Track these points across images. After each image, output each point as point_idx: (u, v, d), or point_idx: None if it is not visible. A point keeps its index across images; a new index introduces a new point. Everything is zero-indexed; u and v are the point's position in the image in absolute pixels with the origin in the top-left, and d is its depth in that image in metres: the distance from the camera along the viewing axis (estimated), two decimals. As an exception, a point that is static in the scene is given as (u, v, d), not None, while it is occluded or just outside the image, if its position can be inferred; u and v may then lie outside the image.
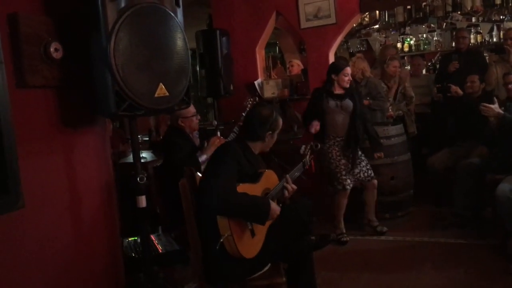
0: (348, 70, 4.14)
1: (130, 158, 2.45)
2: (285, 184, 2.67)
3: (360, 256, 3.96)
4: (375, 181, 4.24)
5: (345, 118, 4.18)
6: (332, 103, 4.16)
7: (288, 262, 2.73)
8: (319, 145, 3.07)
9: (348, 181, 4.12)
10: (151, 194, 4.52)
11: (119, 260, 2.64)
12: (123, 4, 2.10)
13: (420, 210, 4.90)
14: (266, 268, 2.63)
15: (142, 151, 4.99)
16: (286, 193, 2.65)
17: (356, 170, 4.18)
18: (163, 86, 2.23)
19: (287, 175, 2.71)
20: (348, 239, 4.25)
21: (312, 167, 2.97)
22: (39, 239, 2.14)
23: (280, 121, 2.72)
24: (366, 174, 4.20)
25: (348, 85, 4.14)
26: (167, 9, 2.27)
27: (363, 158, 4.26)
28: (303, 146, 2.99)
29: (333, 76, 4.16)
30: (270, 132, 2.65)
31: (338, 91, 4.18)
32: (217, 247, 2.32)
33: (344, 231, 4.30)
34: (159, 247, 3.38)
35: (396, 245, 4.12)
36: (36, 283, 2.11)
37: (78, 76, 2.31)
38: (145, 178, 2.36)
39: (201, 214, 2.50)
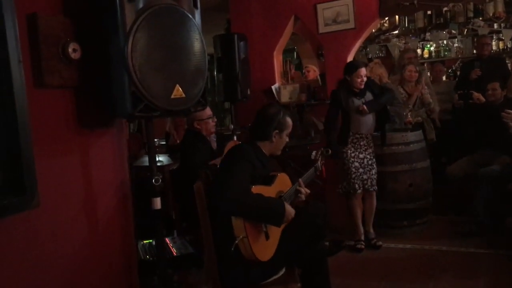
0: (362, 71, 4.08)
1: (146, 161, 2.43)
2: (297, 187, 2.68)
3: (377, 264, 3.90)
4: (375, 193, 4.24)
5: (369, 114, 4.16)
6: (357, 101, 4.13)
7: (303, 267, 2.71)
8: (330, 151, 3.08)
9: (356, 186, 4.13)
10: (166, 197, 4.53)
11: (133, 262, 2.63)
12: (141, 5, 2.10)
13: (439, 219, 4.81)
14: (281, 273, 2.61)
15: (159, 155, 5.01)
16: (301, 196, 2.67)
17: (365, 176, 4.16)
18: (179, 88, 2.22)
19: (300, 179, 2.73)
20: (363, 246, 4.21)
21: (323, 172, 2.95)
22: (54, 238, 2.14)
23: (289, 121, 2.70)
24: (372, 182, 4.19)
25: (361, 86, 4.10)
26: (185, 11, 2.27)
27: (374, 165, 4.22)
28: (314, 152, 3.02)
29: (346, 76, 4.15)
30: (277, 131, 2.64)
31: (357, 90, 4.15)
32: (232, 249, 2.31)
33: (362, 238, 4.25)
34: (174, 250, 3.38)
35: (414, 254, 4.04)
36: (49, 283, 2.11)
37: (96, 77, 2.31)
38: (160, 180, 2.35)
39: (215, 216, 2.49)
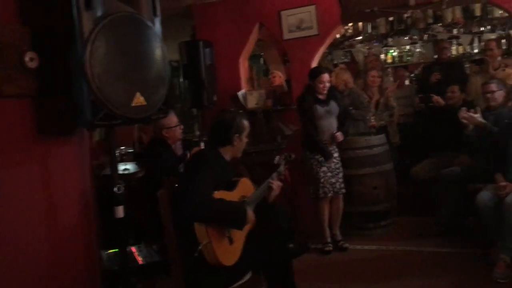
0: (325, 77, 4.17)
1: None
2: (270, 181, 2.78)
3: (344, 266, 3.97)
4: (342, 196, 4.34)
5: (332, 122, 4.27)
6: (320, 109, 4.22)
7: (268, 271, 2.74)
8: (293, 156, 3.12)
9: (326, 189, 4.19)
10: (134, 205, 4.48)
11: (96, 272, 2.60)
12: (99, 13, 2.09)
13: (403, 220, 4.92)
14: (247, 278, 2.63)
15: (127, 163, 4.95)
16: (274, 189, 2.78)
17: (333, 180, 4.24)
18: (140, 95, 2.22)
19: (272, 176, 2.85)
20: (331, 248, 4.28)
21: (287, 177, 3.01)
22: (14, 249, 2.10)
23: (245, 123, 2.79)
24: (341, 186, 4.28)
25: (324, 92, 4.19)
26: (144, 19, 2.27)
27: (341, 169, 4.31)
28: (277, 157, 3.07)
29: (310, 81, 4.24)
30: (237, 134, 2.72)
31: (321, 96, 4.23)
32: (196, 255, 2.34)
33: (329, 240, 4.33)
34: (140, 259, 3.34)
35: (380, 255, 4.13)
36: (9, 296, 2.07)
37: (55, 86, 2.28)
38: (122, 188, 2.34)
39: (179, 223, 2.50)
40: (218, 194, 2.45)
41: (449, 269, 3.66)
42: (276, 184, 2.82)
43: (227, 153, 2.74)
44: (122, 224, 2.40)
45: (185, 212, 2.37)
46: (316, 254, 4.27)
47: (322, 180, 4.19)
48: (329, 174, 4.21)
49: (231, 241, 2.49)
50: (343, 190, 4.30)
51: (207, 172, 2.49)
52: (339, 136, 4.24)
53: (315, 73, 4.22)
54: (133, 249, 3.50)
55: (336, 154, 4.29)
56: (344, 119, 4.36)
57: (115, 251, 3.45)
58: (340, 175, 4.28)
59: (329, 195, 4.22)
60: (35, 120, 2.25)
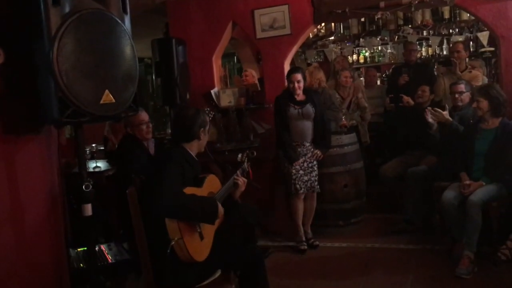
0: (296, 77, 4.18)
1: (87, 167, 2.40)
2: (235, 177, 2.84)
3: (314, 263, 4.03)
4: (315, 194, 4.38)
5: (306, 124, 4.26)
6: (293, 110, 4.23)
7: (239, 269, 2.77)
8: (255, 153, 3.22)
9: (298, 186, 4.23)
10: (104, 203, 4.44)
11: (64, 271, 2.57)
12: (67, 9, 2.06)
13: (372, 217, 5.01)
14: (217, 275, 2.65)
15: (97, 161, 4.90)
16: (239, 185, 2.84)
17: (306, 178, 4.27)
18: (109, 93, 2.21)
19: (237, 172, 2.93)
20: (306, 247, 4.30)
21: (250, 174, 3.10)
22: (-23, 250, 2.07)
23: (207, 117, 2.87)
24: (313, 184, 4.31)
25: (297, 92, 4.20)
26: (113, 16, 2.26)
27: (315, 168, 4.33)
28: (240, 154, 3.16)
29: (286, 81, 4.27)
30: (202, 128, 2.77)
31: (299, 97, 4.25)
32: (168, 251, 2.35)
33: (304, 238, 4.35)
34: (109, 257, 3.32)
35: (349, 252, 4.20)
36: (-28, 296, 2.03)
37: (20, 83, 2.24)
38: (91, 186, 2.32)
39: (149, 221, 2.51)
40: (187, 190, 2.48)
41: (415, 265, 3.75)
42: (241, 180, 2.87)
43: (193, 149, 2.77)
44: (90, 222, 2.39)
45: (157, 209, 2.38)
46: (290, 252, 4.31)
47: (294, 177, 4.22)
48: (301, 172, 4.24)
49: (201, 237, 2.52)
50: (317, 189, 4.33)
51: (175, 169, 2.52)
52: (319, 153, 4.28)
53: (288, 73, 4.28)
54: (103, 247, 3.47)
55: (309, 154, 4.29)
56: (322, 127, 4.33)
57: (84, 250, 3.42)
58: (314, 173, 4.30)
59: (300, 191, 4.24)
60: (0, 117, 2.20)
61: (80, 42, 2.10)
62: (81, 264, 3.16)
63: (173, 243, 2.36)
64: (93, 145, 5.52)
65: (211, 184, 2.74)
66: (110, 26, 2.24)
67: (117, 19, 2.27)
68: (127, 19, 2.37)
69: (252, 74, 5.19)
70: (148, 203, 2.48)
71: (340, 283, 3.57)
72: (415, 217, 4.42)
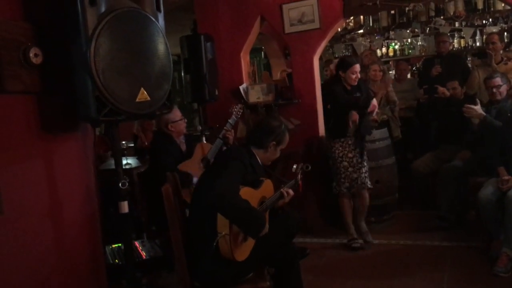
0: (357, 67, 4.06)
1: (113, 164, 2.42)
2: (282, 190, 2.77)
3: (346, 261, 3.98)
4: (365, 191, 4.21)
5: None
6: (348, 99, 4.10)
7: (275, 267, 2.78)
8: (309, 167, 3.10)
9: (346, 184, 4.12)
10: (135, 200, 4.50)
11: (101, 266, 2.60)
12: (103, 9, 2.07)
13: (405, 214, 4.94)
14: (251, 274, 2.65)
15: (127, 157, 4.96)
16: (285, 198, 2.77)
17: (355, 175, 4.13)
18: (144, 91, 2.21)
19: (289, 183, 2.88)
20: (359, 244, 4.17)
21: (300, 187, 3.01)
22: (20, 246, 2.10)
23: (287, 137, 2.84)
24: (364, 181, 4.15)
25: (355, 83, 4.10)
26: (148, 14, 2.26)
27: (365, 164, 4.18)
28: (295, 166, 3.06)
29: (340, 72, 4.11)
30: (275, 143, 2.76)
31: (349, 87, 4.13)
32: (214, 244, 2.37)
33: (356, 236, 4.24)
34: (143, 253, 3.36)
35: (381, 249, 4.15)
36: (15, 292, 2.07)
37: (59, 82, 2.27)
38: (127, 184, 2.34)
39: (197, 213, 2.55)
40: (243, 190, 2.47)
41: (450, 263, 3.68)
42: (289, 194, 2.80)
43: (259, 156, 2.78)
44: (126, 219, 2.41)
45: (209, 198, 2.36)
46: (344, 250, 4.21)
47: (343, 175, 4.13)
48: (350, 169, 4.13)
49: (246, 238, 2.51)
50: (368, 185, 4.17)
51: (238, 167, 2.54)
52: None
53: (348, 63, 4.08)
54: (137, 243, 3.52)
55: (358, 149, 4.15)
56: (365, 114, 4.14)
57: (117, 246, 3.47)
58: (364, 169, 4.15)
59: (345, 190, 4.14)
60: (39, 116, 2.24)
61: (115, 41, 2.11)
62: (116, 260, 3.20)
63: (220, 237, 2.37)
64: (123, 142, 5.59)
65: (266, 189, 2.71)
66: (145, 24, 2.24)
67: (151, 17, 2.28)
68: (160, 17, 2.38)
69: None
70: (202, 193, 2.53)
71: (373, 282, 3.52)
72: (449, 214, 4.33)
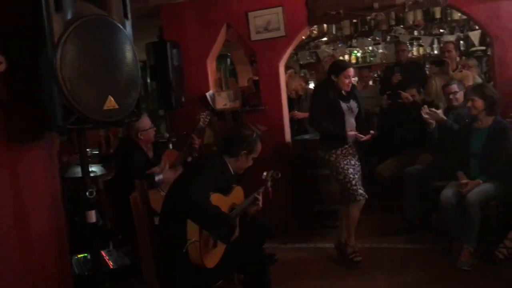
0: (351, 71, 3.80)
1: (78, 172, 2.39)
2: (256, 195, 2.79)
3: (314, 264, 4.03)
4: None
5: (352, 122, 3.90)
6: (343, 105, 3.84)
7: (245, 273, 2.80)
8: (279, 174, 3.06)
9: (360, 191, 3.82)
10: (102, 209, 4.42)
11: (68, 277, 2.55)
12: (69, 16, 2.05)
13: (370, 218, 5.01)
14: (219, 282, 2.66)
15: (92, 165, 4.87)
16: (258, 204, 2.78)
17: (360, 182, 3.90)
18: (112, 99, 2.19)
19: (259, 190, 2.86)
20: (360, 258, 3.85)
21: (270, 194, 3.00)
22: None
23: (259, 146, 2.84)
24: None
25: (348, 89, 3.83)
26: (115, 22, 2.25)
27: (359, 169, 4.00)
28: (265, 173, 3.04)
29: (332, 77, 3.83)
30: (246, 151, 2.76)
31: (343, 92, 3.84)
32: (184, 250, 2.37)
33: (357, 249, 3.94)
34: (110, 263, 3.31)
35: (347, 252, 4.20)
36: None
37: (24, 90, 2.23)
38: (94, 193, 2.31)
39: (167, 220, 2.54)
40: (214, 196, 2.48)
41: (414, 265, 3.77)
42: (261, 200, 2.81)
43: (231, 165, 2.78)
44: (93, 229, 2.38)
45: (180, 205, 2.39)
46: (311, 254, 4.23)
47: (354, 182, 3.80)
48: (356, 177, 3.85)
49: (215, 245, 2.52)
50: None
51: (210, 175, 2.55)
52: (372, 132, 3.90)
53: (340, 67, 3.81)
54: (103, 253, 3.46)
55: (357, 156, 3.97)
56: (361, 121, 3.98)
57: (83, 256, 3.41)
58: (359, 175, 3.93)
59: (361, 197, 3.81)
60: (3, 125, 2.19)
61: (82, 48, 2.09)
62: (82, 271, 3.15)
63: (189, 244, 2.37)
64: (88, 150, 5.48)
65: (236, 196, 2.74)
66: (112, 32, 2.23)
67: (119, 25, 2.27)
68: (128, 25, 2.37)
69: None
70: (174, 199, 2.52)
71: (339, 284, 3.58)
72: (413, 217, 4.44)
